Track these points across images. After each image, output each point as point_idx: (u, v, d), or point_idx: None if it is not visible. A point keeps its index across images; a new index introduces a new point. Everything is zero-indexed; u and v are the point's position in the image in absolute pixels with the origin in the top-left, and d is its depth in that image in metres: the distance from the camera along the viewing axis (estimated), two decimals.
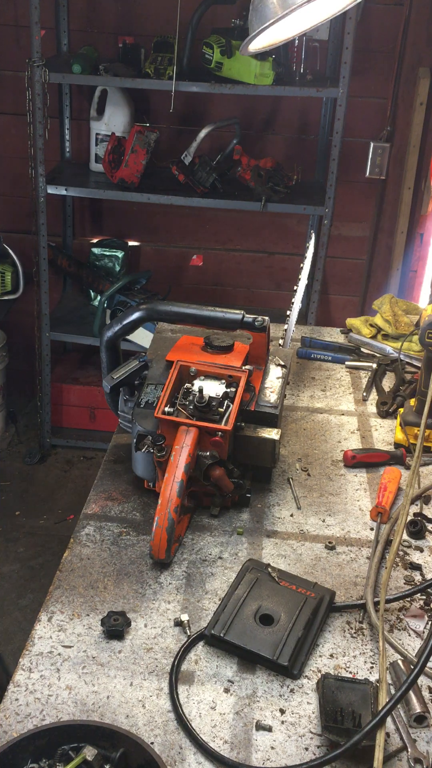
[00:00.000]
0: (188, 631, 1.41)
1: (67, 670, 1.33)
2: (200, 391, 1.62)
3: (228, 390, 1.67)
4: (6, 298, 3.90)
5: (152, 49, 3.42)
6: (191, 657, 1.37)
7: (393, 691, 1.23)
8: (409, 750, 1.23)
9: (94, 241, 4.06)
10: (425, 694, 1.32)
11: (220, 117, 3.67)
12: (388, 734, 1.24)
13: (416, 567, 1.59)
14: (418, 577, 1.57)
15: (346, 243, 3.97)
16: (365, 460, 1.88)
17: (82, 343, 3.95)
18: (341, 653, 1.39)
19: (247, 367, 1.73)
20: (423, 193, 3.67)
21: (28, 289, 3.88)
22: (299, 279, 2.13)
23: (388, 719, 1.22)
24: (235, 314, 1.71)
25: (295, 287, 2.10)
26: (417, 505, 1.76)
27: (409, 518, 1.68)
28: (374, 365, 2.28)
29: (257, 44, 1.51)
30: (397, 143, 3.67)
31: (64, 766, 1.12)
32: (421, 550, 1.64)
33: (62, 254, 3.98)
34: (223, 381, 1.69)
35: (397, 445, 1.96)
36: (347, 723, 1.21)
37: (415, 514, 1.72)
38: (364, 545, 1.64)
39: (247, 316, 1.71)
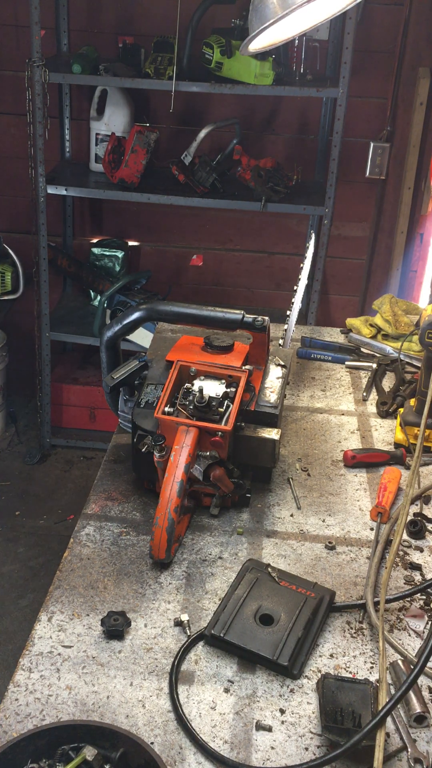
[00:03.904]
0: (188, 631, 1.41)
1: (67, 670, 1.33)
2: (200, 391, 1.62)
3: (228, 390, 1.67)
4: (6, 298, 3.90)
5: (152, 49, 3.42)
6: (191, 657, 1.37)
7: (393, 691, 1.23)
8: (409, 750, 1.23)
9: (94, 241, 4.06)
10: (425, 694, 1.32)
11: (220, 117, 3.67)
12: (388, 734, 1.24)
13: (416, 567, 1.59)
14: (418, 577, 1.57)
15: (346, 243, 3.97)
16: (365, 460, 1.88)
17: (82, 343, 3.95)
18: (341, 653, 1.39)
19: (247, 367, 1.73)
20: (423, 193, 3.67)
21: (28, 289, 3.88)
22: (299, 279, 2.13)
23: (388, 719, 1.22)
24: (235, 314, 1.71)
25: (295, 287, 2.10)
26: (417, 505, 1.76)
27: (409, 518, 1.68)
28: (374, 365, 2.28)
29: (257, 44, 1.51)
30: (397, 143, 3.67)
31: (64, 766, 1.12)
32: (421, 550, 1.64)
33: (62, 254, 3.98)
34: (223, 381, 1.69)
35: (397, 445, 1.96)
36: (347, 723, 1.21)
37: (415, 514, 1.72)
38: (364, 545, 1.64)
39: (247, 316, 1.71)
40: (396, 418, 2.05)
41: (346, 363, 2.31)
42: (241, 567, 1.52)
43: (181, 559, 1.58)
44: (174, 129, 3.83)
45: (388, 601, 1.47)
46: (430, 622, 1.46)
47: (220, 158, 3.56)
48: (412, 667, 1.21)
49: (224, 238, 4.05)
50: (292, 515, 1.72)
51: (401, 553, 1.62)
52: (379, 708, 1.19)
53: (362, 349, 2.38)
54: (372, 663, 1.38)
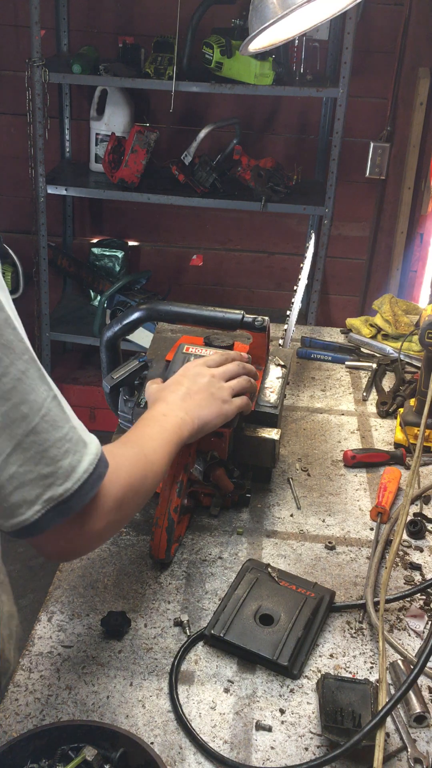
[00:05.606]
0: (188, 631, 1.41)
1: (67, 670, 1.33)
2: None
3: None
4: None
5: (152, 49, 3.43)
6: (191, 657, 1.37)
7: (393, 691, 1.23)
8: (409, 750, 1.22)
9: (94, 241, 4.06)
10: (425, 694, 1.31)
11: (220, 117, 3.68)
12: (388, 734, 1.24)
13: (416, 567, 1.59)
14: (418, 577, 1.57)
15: (346, 243, 3.97)
16: (365, 460, 1.88)
17: (82, 343, 3.95)
18: (341, 653, 1.39)
19: None
20: (423, 193, 3.67)
21: (28, 289, 3.89)
22: (299, 279, 2.13)
23: (388, 719, 1.22)
24: (235, 314, 1.71)
25: (295, 287, 2.10)
26: (417, 505, 1.76)
27: (409, 518, 1.68)
28: (374, 365, 2.28)
29: (257, 44, 1.51)
30: (397, 143, 3.67)
31: (64, 766, 1.12)
32: (421, 550, 1.64)
33: (62, 254, 3.99)
34: None
35: (397, 445, 1.96)
36: (347, 723, 1.21)
37: (415, 514, 1.72)
38: (364, 545, 1.64)
39: (247, 316, 1.71)
40: (396, 418, 2.05)
41: (346, 363, 2.31)
42: (241, 567, 1.51)
43: (181, 559, 1.58)
44: (174, 129, 3.83)
45: (388, 601, 1.47)
46: (430, 622, 1.46)
47: (220, 158, 3.56)
48: (412, 667, 1.21)
49: (224, 238, 4.05)
50: (292, 515, 1.72)
51: (401, 553, 1.62)
52: (379, 708, 1.19)
53: (362, 349, 2.38)
54: (372, 663, 1.38)
